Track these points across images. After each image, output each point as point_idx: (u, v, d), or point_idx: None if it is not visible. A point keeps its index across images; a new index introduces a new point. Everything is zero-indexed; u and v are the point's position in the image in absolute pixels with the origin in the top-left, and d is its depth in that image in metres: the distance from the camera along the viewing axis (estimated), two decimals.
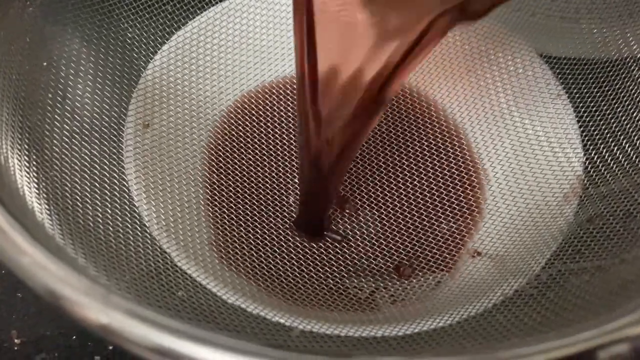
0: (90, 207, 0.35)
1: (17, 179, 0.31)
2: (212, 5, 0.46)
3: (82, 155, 0.37)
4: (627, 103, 0.40)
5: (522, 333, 0.30)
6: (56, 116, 0.37)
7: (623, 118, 0.40)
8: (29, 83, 0.36)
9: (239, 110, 0.45)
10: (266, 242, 0.40)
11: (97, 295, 0.21)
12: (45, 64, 0.37)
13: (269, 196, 0.42)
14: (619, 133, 0.39)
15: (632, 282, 0.29)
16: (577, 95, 0.43)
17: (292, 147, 0.44)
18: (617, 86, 0.41)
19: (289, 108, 0.46)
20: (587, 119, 0.42)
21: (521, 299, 0.34)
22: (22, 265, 0.22)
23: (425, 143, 0.44)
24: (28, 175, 0.32)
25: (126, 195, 0.37)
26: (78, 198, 0.34)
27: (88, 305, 0.21)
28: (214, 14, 0.46)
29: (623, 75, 0.41)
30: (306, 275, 0.38)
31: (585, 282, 0.32)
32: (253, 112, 0.45)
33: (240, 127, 0.45)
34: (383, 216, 0.41)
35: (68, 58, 0.39)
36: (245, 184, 0.42)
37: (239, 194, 0.42)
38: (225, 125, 0.44)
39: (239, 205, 0.41)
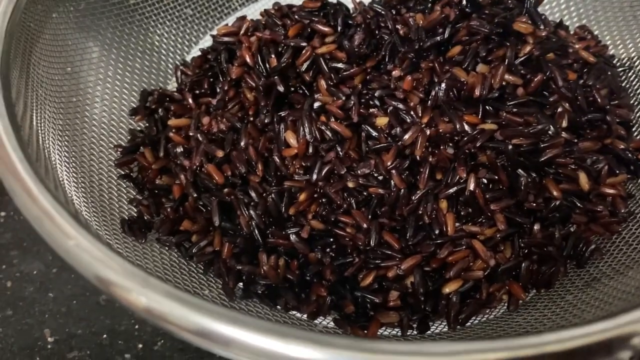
0: (125, 204, 0.36)
1: (58, 171, 0.32)
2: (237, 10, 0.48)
3: (110, 153, 0.38)
4: (633, 101, 0.40)
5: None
6: (86, 118, 0.39)
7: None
8: (67, 88, 0.38)
9: None
10: None
11: (138, 278, 0.22)
12: (69, 69, 0.39)
13: None
14: None
15: None
16: None
17: None
18: (624, 83, 0.41)
19: None
20: None
21: (540, 302, 0.34)
22: (67, 248, 0.23)
23: None
24: (68, 170, 0.33)
25: None
26: (114, 194, 0.36)
27: (130, 287, 0.22)
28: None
29: (629, 73, 0.41)
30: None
31: (604, 285, 0.32)
32: None
33: None
34: None
35: (91, 64, 0.40)
36: None
37: None
38: None
39: None
